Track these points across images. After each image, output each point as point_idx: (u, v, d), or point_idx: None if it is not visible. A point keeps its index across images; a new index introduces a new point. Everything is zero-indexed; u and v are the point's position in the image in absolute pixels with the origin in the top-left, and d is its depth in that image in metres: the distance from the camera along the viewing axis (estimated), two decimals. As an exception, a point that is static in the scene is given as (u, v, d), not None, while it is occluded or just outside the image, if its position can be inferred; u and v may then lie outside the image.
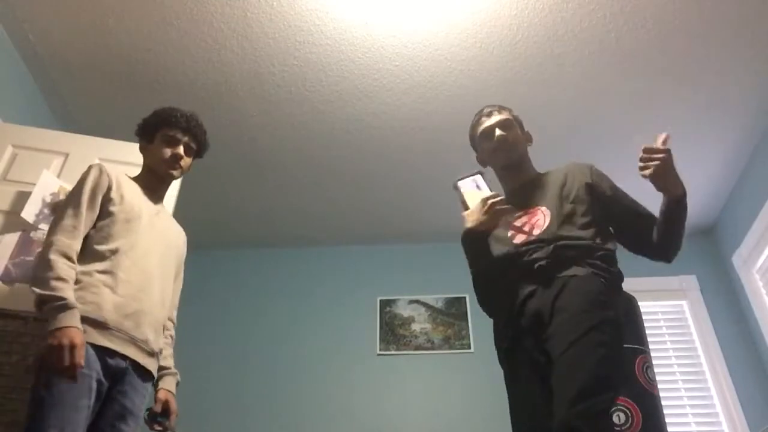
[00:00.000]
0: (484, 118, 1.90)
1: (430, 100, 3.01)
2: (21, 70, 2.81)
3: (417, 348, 3.64)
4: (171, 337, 1.93)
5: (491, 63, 2.81)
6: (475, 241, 1.72)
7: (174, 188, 2.43)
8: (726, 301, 3.63)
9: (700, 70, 2.83)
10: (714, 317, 3.58)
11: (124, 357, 1.61)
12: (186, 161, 1.95)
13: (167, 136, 1.90)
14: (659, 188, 1.58)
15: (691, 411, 3.34)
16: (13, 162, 2.45)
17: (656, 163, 1.54)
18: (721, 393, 3.33)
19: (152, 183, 1.94)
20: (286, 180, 3.53)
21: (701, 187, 3.54)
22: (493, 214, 1.66)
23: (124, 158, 2.42)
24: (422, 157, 3.36)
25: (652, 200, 1.72)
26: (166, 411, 1.78)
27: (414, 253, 4.04)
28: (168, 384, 1.83)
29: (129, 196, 1.81)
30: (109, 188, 1.77)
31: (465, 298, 3.76)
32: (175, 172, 1.92)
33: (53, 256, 1.55)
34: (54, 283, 1.50)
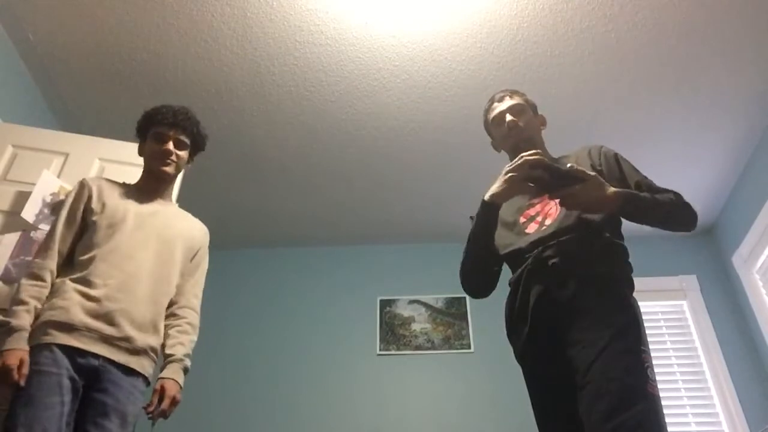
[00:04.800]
0: (495, 104, 1.89)
1: (430, 100, 3.01)
2: (21, 70, 2.81)
3: (417, 348, 3.64)
4: (188, 324, 1.90)
5: (491, 63, 2.81)
6: (481, 213, 1.67)
7: (173, 188, 2.44)
8: (726, 301, 3.63)
9: (700, 70, 2.83)
10: (714, 317, 3.58)
11: (96, 355, 1.63)
12: (180, 156, 1.96)
13: (155, 133, 1.94)
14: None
15: (691, 411, 3.34)
16: (13, 162, 2.45)
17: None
18: (721, 393, 3.33)
19: (149, 183, 1.97)
20: (286, 180, 3.53)
21: (701, 187, 3.54)
22: (505, 185, 1.60)
23: (123, 158, 2.42)
24: (422, 157, 3.36)
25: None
26: (161, 398, 1.74)
27: (414, 253, 4.04)
28: (168, 372, 1.79)
29: (112, 201, 1.85)
30: (89, 199, 1.84)
31: (465, 298, 3.76)
32: (167, 168, 1.94)
33: (23, 280, 1.69)
34: (14, 308, 1.62)
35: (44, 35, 2.69)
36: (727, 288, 3.68)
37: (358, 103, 3.03)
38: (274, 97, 3.00)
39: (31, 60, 2.80)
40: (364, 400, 3.49)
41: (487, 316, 3.57)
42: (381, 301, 3.83)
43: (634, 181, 1.67)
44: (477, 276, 1.78)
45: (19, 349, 1.54)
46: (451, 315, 3.75)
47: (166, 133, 1.93)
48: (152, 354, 1.78)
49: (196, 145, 2.04)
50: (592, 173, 1.52)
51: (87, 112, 3.07)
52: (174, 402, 1.75)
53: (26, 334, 1.58)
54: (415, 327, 3.72)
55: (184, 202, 2.52)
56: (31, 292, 1.66)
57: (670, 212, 1.59)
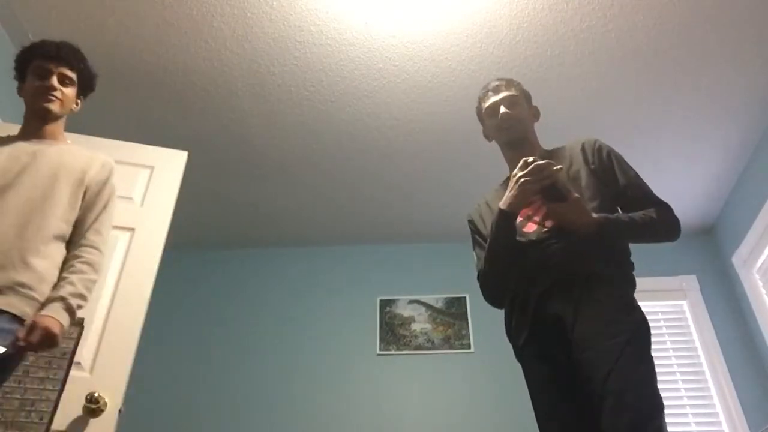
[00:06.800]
0: (490, 93, 1.89)
1: (430, 100, 3.01)
2: (21, 70, 2.80)
3: (417, 348, 3.64)
4: (83, 262, 1.69)
5: (491, 63, 2.81)
6: (501, 224, 1.65)
7: (174, 187, 2.43)
8: (726, 301, 3.64)
9: (700, 70, 2.83)
10: (714, 317, 3.58)
11: None
12: (66, 94, 1.84)
13: (37, 67, 1.81)
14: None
15: (691, 411, 3.34)
16: (12, 162, 2.44)
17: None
18: (721, 393, 3.33)
19: (31, 124, 1.84)
20: (286, 180, 3.53)
21: (701, 187, 3.54)
22: (520, 192, 1.59)
23: (124, 158, 2.41)
24: (422, 157, 3.36)
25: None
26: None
27: (414, 253, 4.04)
28: (46, 311, 1.57)
29: None
30: None
31: (465, 298, 3.76)
32: (51, 105, 1.80)
33: None
34: None
35: (44, 35, 2.69)
36: (727, 288, 3.68)
37: (358, 103, 3.03)
38: (274, 97, 3.00)
39: (31, 60, 2.80)
40: (364, 400, 3.48)
41: (487, 316, 3.54)
42: (381, 301, 3.83)
43: (622, 184, 1.69)
44: (504, 284, 1.74)
45: None
46: (451, 315, 3.75)
47: (48, 67, 1.80)
48: (23, 290, 1.57)
49: (84, 84, 1.89)
50: (575, 195, 1.54)
51: (87, 112, 3.06)
52: (49, 335, 1.52)
53: None
54: (415, 327, 3.72)
55: (184, 202, 2.52)
56: None
57: (646, 233, 1.62)
